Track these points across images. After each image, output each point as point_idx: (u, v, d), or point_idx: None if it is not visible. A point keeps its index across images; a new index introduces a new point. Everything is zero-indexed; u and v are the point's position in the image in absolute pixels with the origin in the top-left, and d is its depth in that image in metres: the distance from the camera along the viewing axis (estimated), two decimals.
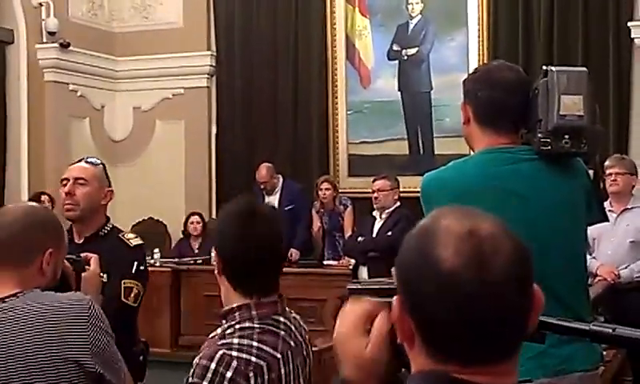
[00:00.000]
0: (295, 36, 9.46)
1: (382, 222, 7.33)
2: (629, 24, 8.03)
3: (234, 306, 2.24)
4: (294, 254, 8.29)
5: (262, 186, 8.53)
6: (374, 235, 7.28)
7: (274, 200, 8.40)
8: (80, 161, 3.50)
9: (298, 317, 2.41)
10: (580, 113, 2.57)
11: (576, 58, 8.08)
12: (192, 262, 8.54)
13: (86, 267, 2.73)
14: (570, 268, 2.65)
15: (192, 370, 2.13)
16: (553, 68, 2.62)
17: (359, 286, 1.45)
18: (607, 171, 5.96)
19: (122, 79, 10.04)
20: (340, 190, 8.69)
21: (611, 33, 8.14)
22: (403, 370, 1.30)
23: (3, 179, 9.11)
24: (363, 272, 7.17)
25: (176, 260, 8.67)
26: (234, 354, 2.13)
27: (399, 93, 9.08)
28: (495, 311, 1.12)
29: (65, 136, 9.29)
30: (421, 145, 8.98)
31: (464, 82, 2.75)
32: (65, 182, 3.38)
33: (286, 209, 8.29)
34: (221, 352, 2.13)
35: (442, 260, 1.13)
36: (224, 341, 2.17)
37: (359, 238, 7.45)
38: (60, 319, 2.13)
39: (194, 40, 9.75)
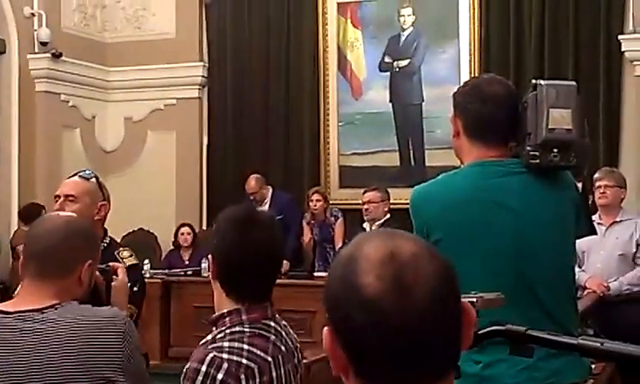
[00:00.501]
0: (287, 47, 9.48)
1: None
2: (619, 37, 8.07)
3: (225, 311, 2.25)
4: (283, 265, 8.28)
5: (251, 197, 8.53)
6: None
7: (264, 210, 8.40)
8: (75, 175, 3.47)
9: (286, 324, 2.41)
10: (568, 126, 2.58)
11: (567, 70, 8.11)
12: (182, 273, 8.53)
13: (114, 277, 2.74)
14: (559, 281, 2.66)
15: (183, 375, 2.14)
16: (542, 82, 2.63)
17: None
18: (596, 184, 5.98)
19: (113, 89, 10.03)
20: (331, 202, 8.69)
21: (602, 46, 8.17)
22: None
23: None
24: None
25: (166, 271, 8.66)
26: (225, 356, 2.14)
27: (390, 104, 9.09)
28: (421, 334, 1.11)
29: (56, 146, 9.27)
30: (412, 156, 8.99)
31: (454, 95, 2.76)
32: (56, 199, 3.37)
33: (276, 219, 8.27)
34: (211, 355, 2.14)
35: (364, 286, 1.12)
36: (214, 344, 2.18)
37: None
38: (95, 336, 2.13)
39: (185, 51, 9.76)
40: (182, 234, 8.94)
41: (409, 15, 9.01)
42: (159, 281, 8.42)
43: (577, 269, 5.73)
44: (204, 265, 8.00)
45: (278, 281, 6.78)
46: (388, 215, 7.38)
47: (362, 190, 7.67)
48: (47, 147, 9.16)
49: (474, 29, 8.68)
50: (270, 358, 2.23)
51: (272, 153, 9.46)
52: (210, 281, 2.35)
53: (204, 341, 2.22)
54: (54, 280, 2.23)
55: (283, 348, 2.31)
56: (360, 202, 7.61)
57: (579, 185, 2.78)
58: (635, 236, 5.94)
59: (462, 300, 1.19)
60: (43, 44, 9.09)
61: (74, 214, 2.62)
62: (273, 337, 2.28)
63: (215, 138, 9.79)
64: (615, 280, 5.87)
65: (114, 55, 9.98)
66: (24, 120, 9.09)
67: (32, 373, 2.07)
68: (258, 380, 2.17)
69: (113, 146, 10.09)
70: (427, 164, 8.73)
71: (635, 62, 8.09)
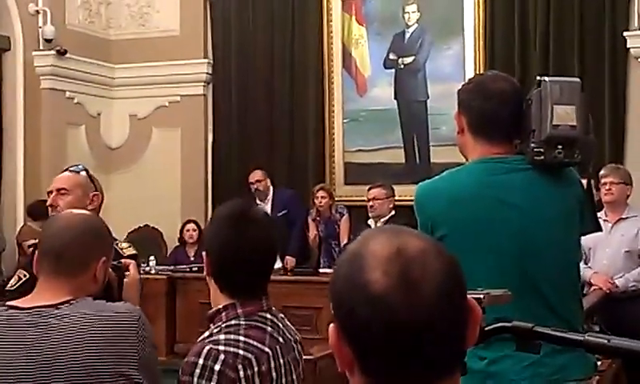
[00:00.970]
0: (292, 44, 9.47)
1: None
2: (624, 34, 8.05)
3: (220, 306, 2.27)
4: (289, 261, 8.30)
5: (254, 188, 8.54)
6: None
7: (266, 208, 8.40)
8: (65, 170, 3.54)
9: (284, 317, 2.42)
10: (573, 123, 2.58)
11: (572, 67, 8.09)
12: (188, 269, 8.53)
13: (126, 273, 2.75)
14: (564, 277, 2.66)
15: (181, 370, 2.15)
16: (546, 78, 2.63)
17: None
18: (602, 181, 5.98)
19: (118, 87, 10.04)
20: (336, 198, 8.69)
21: (607, 42, 8.16)
22: None
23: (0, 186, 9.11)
24: None
25: (172, 267, 8.67)
26: (221, 348, 2.15)
27: (395, 101, 9.08)
28: (427, 330, 1.12)
29: (61, 143, 9.29)
30: (417, 153, 8.99)
31: (458, 92, 2.76)
32: (49, 195, 3.43)
33: (280, 215, 8.30)
34: (208, 347, 2.15)
35: (371, 283, 1.12)
36: (211, 338, 2.20)
37: None
38: (111, 331, 2.14)
39: (190, 48, 9.76)
40: (188, 230, 8.96)
41: (413, 12, 9.00)
42: (165, 277, 8.43)
43: (583, 265, 5.75)
44: (204, 255, 8.01)
45: (284, 277, 6.85)
46: (393, 212, 7.38)
47: (367, 187, 7.67)
48: (52, 144, 9.17)
49: (479, 25, 8.67)
50: (267, 349, 2.24)
51: (277, 149, 9.46)
52: None
53: (202, 337, 2.24)
54: (70, 277, 2.24)
55: (281, 339, 2.31)
56: (365, 198, 7.61)
57: (584, 181, 2.78)
58: None
59: (468, 297, 1.19)
60: (48, 41, 9.10)
61: (88, 212, 2.64)
62: (269, 328, 2.28)
63: (220, 134, 9.79)
64: (621, 277, 5.87)
65: (119, 52, 9.98)
66: (29, 117, 9.10)
67: (46, 367, 2.08)
68: (256, 369, 2.18)
69: (118, 143, 10.10)
70: (432, 161, 8.72)
71: None
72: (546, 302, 2.56)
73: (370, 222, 7.44)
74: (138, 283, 2.81)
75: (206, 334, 2.24)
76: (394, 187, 7.67)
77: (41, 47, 9.13)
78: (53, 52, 9.07)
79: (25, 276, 2.93)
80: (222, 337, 2.19)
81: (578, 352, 2.50)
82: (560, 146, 2.58)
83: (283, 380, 2.27)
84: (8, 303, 2.23)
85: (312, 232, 8.51)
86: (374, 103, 9.17)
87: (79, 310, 2.16)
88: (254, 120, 9.58)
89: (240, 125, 9.64)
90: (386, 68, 9.13)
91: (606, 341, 1.38)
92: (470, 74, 8.25)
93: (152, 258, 8.69)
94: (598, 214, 4.83)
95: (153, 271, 8.54)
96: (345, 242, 8.09)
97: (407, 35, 9.07)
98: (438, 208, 2.62)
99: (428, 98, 8.93)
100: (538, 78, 2.66)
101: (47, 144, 9.14)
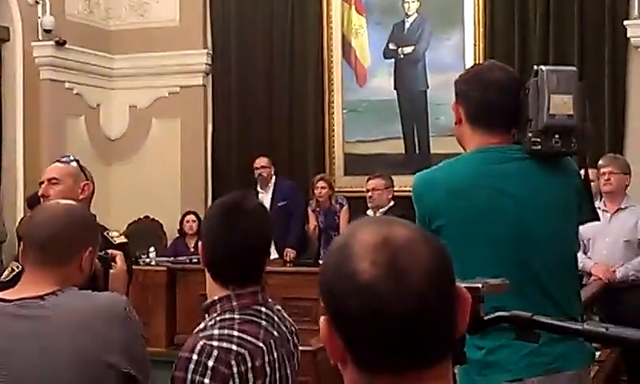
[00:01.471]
0: (291, 34, 9.46)
1: None
2: (625, 23, 8.04)
3: (215, 298, 2.27)
4: (289, 253, 8.30)
5: (258, 173, 8.54)
6: None
7: (266, 196, 8.42)
8: (56, 162, 3.55)
9: (282, 309, 2.42)
10: (570, 112, 2.58)
11: (572, 56, 8.09)
12: (188, 260, 8.54)
13: (113, 264, 2.75)
14: (562, 267, 2.67)
15: (175, 364, 2.15)
16: (543, 67, 2.64)
17: None
18: (601, 170, 5.98)
19: (118, 77, 10.03)
20: (336, 189, 8.69)
21: (607, 32, 8.15)
22: None
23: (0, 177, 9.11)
24: None
25: (172, 259, 8.68)
26: (215, 343, 2.15)
27: (395, 91, 9.08)
28: (416, 319, 1.11)
29: (60, 134, 9.28)
30: (417, 144, 8.99)
31: (456, 82, 2.77)
32: (41, 185, 3.44)
33: (279, 205, 8.30)
34: (201, 343, 2.15)
35: (359, 273, 1.12)
36: (205, 333, 2.20)
37: None
38: (97, 320, 2.14)
39: (190, 38, 9.75)
40: (188, 221, 8.96)
41: (413, 1, 8.99)
42: (165, 269, 8.44)
43: (582, 256, 5.76)
44: (200, 245, 8.03)
45: (284, 269, 6.85)
46: (392, 202, 7.38)
47: (367, 178, 7.67)
48: (52, 135, 9.17)
49: (479, 15, 8.66)
50: (261, 344, 2.24)
51: (276, 140, 9.45)
52: None
53: (197, 329, 2.24)
54: (55, 268, 2.24)
55: (276, 333, 2.31)
56: (364, 189, 7.61)
57: (581, 171, 2.78)
58: None
59: (458, 284, 1.19)
60: (47, 32, 9.09)
61: (73, 202, 2.63)
62: (264, 322, 2.28)
63: (219, 125, 9.79)
64: (621, 266, 5.88)
65: (118, 43, 9.97)
66: (28, 108, 9.10)
67: (33, 359, 2.08)
68: (249, 365, 2.17)
69: (117, 133, 10.10)
70: (432, 151, 8.72)
71: None
72: (544, 291, 2.57)
73: (370, 212, 7.44)
74: (125, 274, 2.81)
75: (201, 326, 2.25)
76: (394, 178, 7.67)
77: (40, 38, 9.12)
78: (52, 42, 9.06)
79: (17, 268, 2.93)
80: (215, 332, 2.19)
81: (577, 341, 2.51)
82: (557, 136, 2.58)
83: (277, 374, 2.28)
84: None
85: (312, 223, 8.52)
86: (373, 93, 9.17)
87: (65, 300, 2.17)
88: (254, 110, 9.58)
89: (239, 115, 9.63)
90: (385, 58, 9.13)
91: (604, 329, 1.38)
92: (469, 63, 8.24)
93: (152, 249, 8.70)
94: (597, 204, 4.84)
95: (153, 262, 8.56)
96: None
97: (407, 25, 9.06)
98: (436, 198, 2.62)
99: (428, 88, 8.93)
100: (535, 67, 2.67)
101: (47, 135, 9.14)
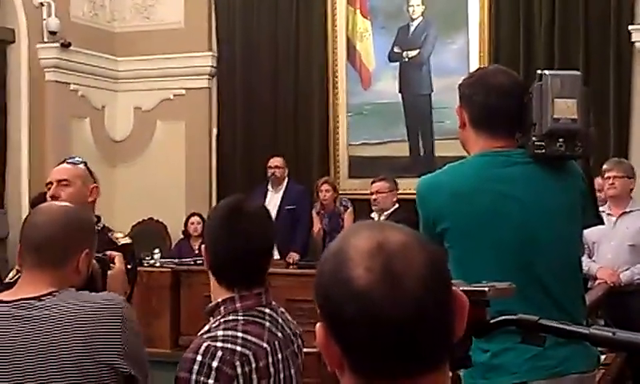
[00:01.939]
0: (296, 37, 9.46)
1: None
2: (630, 28, 8.04)
3: (219, 300, 2.28)
4: (293, 256, 8.30)
5: (271, 173, 8.53)
6: None
7: (277, 198, 8.42)
8: (63, 162, 3.52)
9: (285, 312, 2.42)
10: (574, 116, 2.59)
11: (577, 61, 8.08)
12: (192, 262, 8.54)
13: (111, 265, 2.75)
14: (566, 270, 2.67)
15: (179, 365, 2.16)
16: (547, 72, 2.64)
17: None
18: (605, 175, 5.98)
19: (122, 79, 10.04)
20: (340, 192, 8.69)
21: (612, 36, 8.14)
22: None
23: (4, 179, 9.11)
24: None
25: (176, 260, 8.68)
26: (219, 344, 2.16)
27: (400, 95, 9.08)
28: (413, 324, 1.11)
29: (65, 136, 9.29)
30: (421, 147, 8.98)
31: (459, 86, 2.77)
32: (49, 186, 3.41)
33: (287, 208, 8.30)
34: (205, 344, 2.16)
35: (354, 279, 1.12)
36: (209, 334, 2.21)
37: None
38: (94, 320, 2.14)
39: (195, 40, 9.76)
40: (192, 223, 8.96)
41: (418, 5, 8.99)
42: (169, 270, 8.44)
43: (587, 259, 5.76)
44: (203, 248, 8.03)
45: (288, 271, 6.86)
46: (396, 205, 7.39)
47: (371, 180, 7.67)
48: (57, 137, 9.17)
49: (484, 19, 8.66)
50: (265, 345, 2.24)
51: (281, 143, 9.45)
52: None
53: (200, 332, 2.25)
54: (52, 270, 2.24)
55: (280, 334, 2.32)
56: (369, 192, 7.61)
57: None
58: None
59: (455, 288, 1.19)
60: (52, 34, 9.10)
61: (70, 204, 2.63)
62: (268, 324, 2.29)
63: (224, 127, 9.79)
64: (626, 270, 5.87)
65: (123, 45, 9.98)
66: (33, 110, 9.11)
67: (31, 360, 2.09)
68: (253, 366, 2.18)
69: (122, 135, 10.11)
70: (436, 154, 8.72)
71: None
72: (548, 294, 2.57)
73: (374, 215, 7.44)
74: (124, 275, 2.81)
75: (205, 328, 2.25)
76: (398, 181, 7.68)
77: (45, 40, 9.13)
78: (57, 45, 9.07)
79: None
80: (219, 333, 2.19)
81: (581, 345, 2.51)
82: (561, 140, 2.59)
83: (281, 375, 2.28)
84: None
85: (316, 225, 8.52)
86: (378, 97, 9.17)
87: (62, 301, 2.17)
88: (259, 113, 9.58)
89: (244, 118, 9.63)
90: (390, 61, 9.13)
91: (611, 334, 1.38)
92: (474, 67, 8.23)
93: (156, 250, 8.70)
94: (602, 208, 4.84)
95: (157, 264, 8.56)
96: None
97: (412, 29, 9.06)
98: (440, 202, 2.63)
99: (432, 91, 8.93)
100: (539, 71, 2.67)
101: (51, 136, 9.15)
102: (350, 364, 1.16)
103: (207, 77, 9.84)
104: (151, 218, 9.64)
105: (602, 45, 8.20)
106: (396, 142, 9.06)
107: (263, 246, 2.35)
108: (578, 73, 2.74)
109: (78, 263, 2.30)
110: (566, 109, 2.58)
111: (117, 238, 3.41)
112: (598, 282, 5.85)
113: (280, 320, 2.35)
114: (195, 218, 8.97)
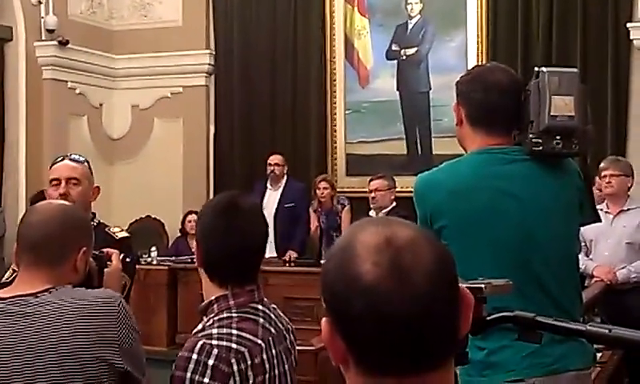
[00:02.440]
0: (294, 35, 9.46)
1: None
2: (628, 25, 8.04)
3: (212, 298, 2.28)
4: (291, 254, 8.29)
5: (271, 170, 8.52)
6: None
7: (275, 195, 8.41)
8: (64, 159, 3.46)
9: (277, 308, 2.43)
10: (571, 113, 2.59)
11: (575, 58, 8.08)
12: (189, 260, 8.52)
13: (108, 263, 2.75)
14: (564, 267, 2.67)
15: (174, 364, 2.16)
16: (544, 69, 2.64)
17: None
18: (602, 173, 5.98)
19: (120, 77, 10.03)
20: (338, 190, 8.69)
21: (610, 34, 8.14)
22: None
23: (1, 177, 9.11)
24: None
25: (173, 258, 8.67)
26: (214, 342, 2.16)
27: (397, 93, 9.08)
28: (420, 320, 1.11)
29: (63, 134, 9.28)
30: (419, 145, 8.98)
31: (457, 83, 2.77)
32: (55, 183, 3.37)
33: (286, 206, 8.30)
34: (201, 343, 2.16)
35: (362, 274, 1.11)
36: (204, 332, 2.20)
37: None
38: (90, 317, 2.15)
39: (192, 38, 9.75)
40: (189, 221, 8.94)
41: (416, 3, 8.99)
42: (166, 268, 8.44)
43: (584, 257, 5.76)
44: (194, 245, 8.03)
45: (285, 269, 6.86)
46: (394, 203, 7.38)
47: (369, 178, 7.67)
48: (54, 135, 9.17)
49: (482, 17, 8.66)
50: (260, 341, 2.24)
51: (279, 141, 9.45)
52: None
53: (195, 331, 2.24)
54: (49, 268, 2.24)
55: (273, 330, 2.32)
56: (367, 189, 7.61)
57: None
58: None
59: (461, 285, 1.18)
60: (50, 31, 9.10)
61: (66, 202, 2.63)
62: (261, 320, 2.29)
63: (222, 125, 9.79)
64: (623, 268, 5.87)
65: (121, 43, 9.98)
66: (31, 107, 9.10)
67: (28, 356, 2.09)
68: (249, 363, 2.18)
69: (120, 133, 10.10)
70: (434, 152, 8.72)
71: None
72: (545, 291, 2.57)
73: (372, 213, 7.43)
74: (120, 273, 2.81)
75: (199, 327, 2.25)
76: (396, 179, 7.67)
77: (43, 37, 9.13)
78: (55, 42, 9.07)
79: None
80: (214, 331, 2.19)
81: (578, 342, 2.51)
82: (558, 137, 2.59)
83: (276, 371, 2.28)
84: None
85: (313, 223, 8.51)
86: (376, 94, 9.17)
87: (58, 297, 2.17)
88: (256, 111, 9.58)
89: (242, 116, 9.63)
90: (388, 59, 9.13)
91: (607, 331, 1.38)
92: (472, 65, 8.23)
93: (153, 248, 8.69)
94: (599, 206, 4.84)
95: (154, 262, 8.55)
96: None
97: (410, 26, 9.06)
98: (438, 199, 2.62)
99: (430, 89, 8.93)
100: (536, 69, 2.67)
101: (49, 134, 9.14)
102: (355, 360, 1.15)
103: (205, 75, 9.84)
104: (148, 216, 9.64)
105: (600, 42, 8.20)
106: (394, 139, 9.06)
107: (258, 243, 2.35)
108: (575, 70, 2.75)
109: (76, 261, 2.31)
110: (563, 106, 2.58)
111: (114, 233, 3.40)
112: (594, 280, 5.85)
113: (272, 316, 2.36)
114: (192, 216, 8.93)
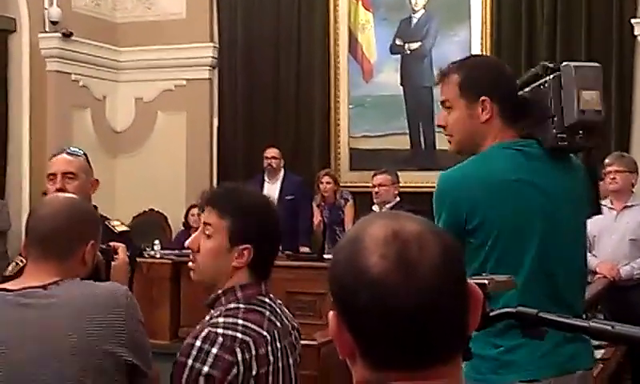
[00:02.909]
0: (298, 29, 9.46)
1: None
2: (632, 21, 8.03)
3: (219, 291, 2.28)
4: (304, 250, 8.27)
5: (267, 163, 8.52)
6: None
7: (274, 188, 8.41)
8: (61, 152, 3.44)
9: (281, 303, 2.43)
10: (598, 108, 2.57)
11: (579, 54, 8.07)
12: None
13: (115, 256, 2.75)
14: (574, 263, 2.66)
15: (180, 349, 2.17)
16: (571, 64, 2.60)
17: None
18: (607, 169, 5.96)
19: (124, 70, 10.03)
20: (341, 184, 8.69)
21: (614, 29, 8.13)
22: None
23: (5, 169, 9.12)
24: None
25: (176, 251, 8.67)
26: (220, 331, 2.16)
27: (401, 87, 9.07)
28: (425, 314, 1.10)
29: (66, 126, 9.29)
30: (422, 140, 8.97)
31: (476, 74, 2.69)
32: (52, 178, 3.35)
33: (287, 199, 8.30)
34: (207, 330, 2.17)
35: (369, 266, 1.12)
36: (211, 321, 2.22)
37: None
38: (97, 309, 2.16)
39: (196, 31, 9.75)
40: (192, 214, 8.96)
41: None
42: (169, 261, 8.44)
43: (587, 254, 5.74)
44: None
45: (288, 263, 6.83)
46: (398, 198, 7.37)
47: (372, 173, 7.66)
48: (58, 127, 9.17)
49: (486, 12, 8.65)
50: (265, 333, 2.25)
51: (282, 134, 9.45)
52: None
53: (203, 321, 2.25)
54: (58, 262, 2.25)
55: (279, 324, 2.33)
56: (370, 184, 7.60)
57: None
58: None
59: (469, 281, 1.18)
60: (54, 23, 9.09)
61: (75, 196, 2.63)
62: (268, 312, 2.30)
63: (225, 119, 9.79)
64: (626, 265, 5.87)
65: (125, 35, 9.97)
66: (35, 100, 9.11)
67: (36, 347, 2.09)
68: (254, 353, 2.18)
69: (123, 126, 10.10)
70: (437, 147, 8.69)
71: None
72: (555, 287, 2.56)
73: (375, 208, 7.43)
74: (127, 267, 2.81)
75: (207, 317, 2.26)
76: (399, 173, 7.67)
77: (47, 29, 9.13)
78: (58, 34, 9.07)
79: (22, 261, 2.92)
80: (220, 320, 2.20)
81: (586, 342, 2.51)
82: (581, 131, 2.56)
83: (280, 363, 2.29)
84: None
85: (316, 218, 8.51)
86: (379, 89, 9.16)
87: (67, 289, 2.19)
88: (260, 104, 9.58)
89: (245, 109, 9.64)
90: (392, 53, 9.12)
91: (610, 327, 1.38)
92: None
93: (157, 241, 8.70)
94: (603, 202, 4.83)
95: (157, 255, 8.55)
96: (349, 228, 8.07)
97: (414, 21, 9.05)
98: (473, 196, 2.55)
99: (434, 83, 8.90)
100: (549, 64, 2.65)
101: (52, 126, 9.14)
102: (362, 353, 1.15)
103: (208, 68, 9.83)
104: (152, 209, 9.64)
105: (605, 38, 8.19)
106: (397, 134, 9.06)
107: (279, 242, 2.39)
108: (598, 64, 2.71)
109: (84, 254, 2.32)
110: (590, 101, 2.56)
111: (114, 226, 3.39)
112: (597, 276, 5.84)
113: (279, 310, 2.36)
114: (195, 210, 8.96)
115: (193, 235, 2.34)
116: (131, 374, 2.21)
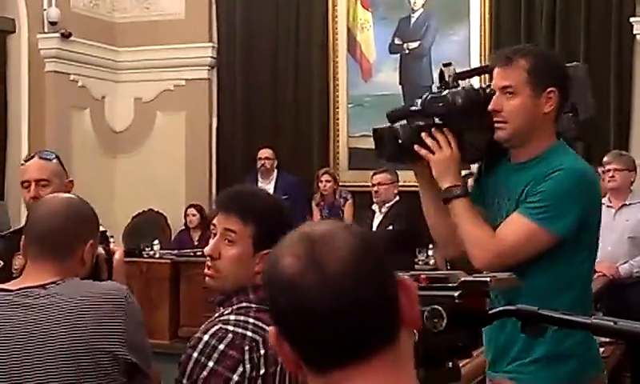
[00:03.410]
0: (297, 28, 9.46)
1: (381, 216, 7.33)
2: (631, 20, 8.02)
3: (231, 291, 2.28)
4: None
5: (261, 164, 8.52)
6: (374, 229, 7.28)
7: (268, 189, 8.39)
8: (33, 157, 3.41)
9: None
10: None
11: (578, 52, 8.07)
12: (192, 253, 8.55)
13: (114, 258, 2.76)
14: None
15: (189, 342, 2.17)
16: (578, 64, 2.71)
17: None
18: (605, 167, 5.97)
19: (123, 70, 10.02)
20: (340, 184, 8.69)
21: (613, 28, 8.13)
22: None
23: (3, 169, 9.11)
24: None
25: (176, 252, 8.68)
26: (230, 328, 2.17)
27: (400, 86, 9.07)
28: (339, 312, 1.10)
29: (65, 126, 9.28)
30: None
31: (547, 63, 2.63)
32: (26, 185, 3.32)
33: (282, 199, 8.29)
34: (217, 326, 2.17)
35: (285, 267, 1.13)
36: (222, 318, 2.22)
37: None
38: (97, 308, 2.16)
39: (195, 31, 9.74)
40: (189, 215, 8.96)
41: None
42: (169, 261, 8.45)
43: None
44: None
45: None
46: (397, 197, 7.37)
47: (371, 172, 7.66)
48: (57, 127, 9.16)
49: (485, 11, 8.65)
50: None
51: (281, 134, 9.45)
52: None
53: (212, 318, 2.25)
54: (56, 261, 2.25)
55: None
56: (369, 183, 7.60)
57: None
58: None
59: (402, 276, 1.17)
60: (53, 24, 9.08)
61: (73, 195, 2.62)
62: None
63: (224, 118, 9.79)
64: (625, 263, 5.87)
65: (124, 35, 9.96)
66: (33, 100, 9.10)
67: (36, 347, 2.10)
68: (262, 352, 2.18)
69: (122, 126, 10.09)
70: None
71: None
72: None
73: (374, 207, 7.44)
74: (124, 267, 2.81)
75: (217, 314, 2.26)
76: (398, 173, 7.66)
77: (45, 30, 9.11)
78: (57, 35, 9.06)
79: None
80: (232, 317, 2.20)
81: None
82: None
83: None
84: None
85: (316, 217, 8.51)
86: (378, 88, 9.15)
87: (66, 289, 2.19)
88: (259, 104, 9.58)
89: (244, 109, 9.63)
90: (391, 53, 9.12)
91: (612, 323, 1.38)
92: (475, 59, 8.26)
93: (156, 241, 8.70)
94: (602, 200, 4.85)
95: (157, 255, 8.56)
96: None
97: (413, 20, 9.05)
98: (597, 192, 2.69)
99: (433, 83, 8.89)
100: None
101: (51, 127, 9.14)
102: (304, 361, 1.14)
103: (207, 68, 9.83)
104: (151, 209, 9.63)
105: (604, 37, 8.19)
106: None
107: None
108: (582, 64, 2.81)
109: (83, 254, 2.31)
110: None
111: None
112: (596, 274, 5.84)
113: None
114: (191, 210, 8.97)
115: (212, 241, 2.28)
116: (131, 374, 2.21)
